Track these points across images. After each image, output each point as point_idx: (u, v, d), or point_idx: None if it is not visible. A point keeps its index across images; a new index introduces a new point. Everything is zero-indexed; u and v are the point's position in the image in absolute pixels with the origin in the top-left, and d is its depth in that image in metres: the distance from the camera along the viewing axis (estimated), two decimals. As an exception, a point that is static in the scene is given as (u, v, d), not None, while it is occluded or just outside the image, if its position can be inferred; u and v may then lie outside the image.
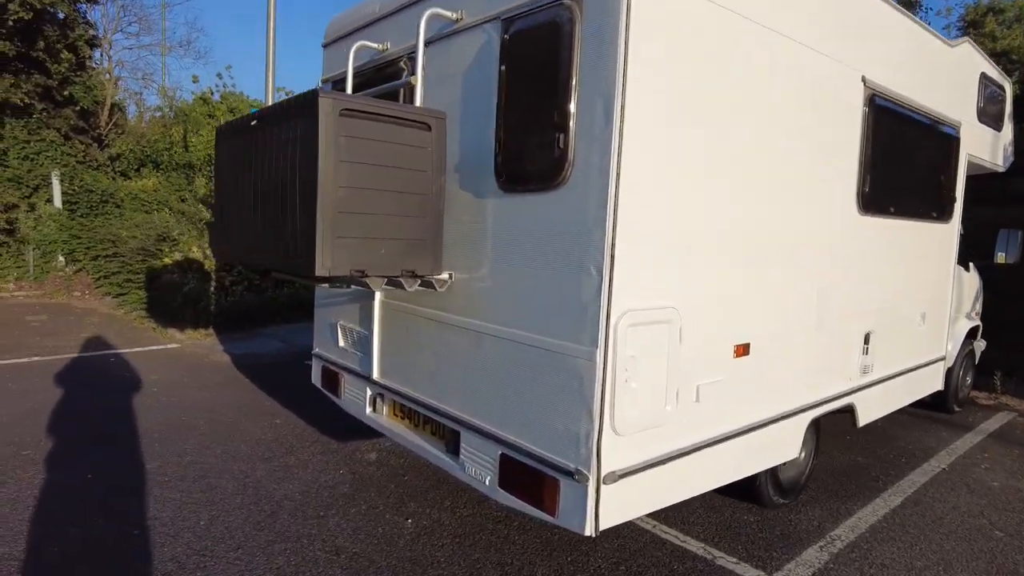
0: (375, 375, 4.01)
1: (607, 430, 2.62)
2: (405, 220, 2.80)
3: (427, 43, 3.31)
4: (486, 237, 3.09)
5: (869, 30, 4.11)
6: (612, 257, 2.54)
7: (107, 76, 19.35)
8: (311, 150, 2.52)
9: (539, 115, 2.79)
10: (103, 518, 3.84)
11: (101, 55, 19.45)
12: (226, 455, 4.85)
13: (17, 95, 13.09)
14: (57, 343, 8.31)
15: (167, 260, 9.34)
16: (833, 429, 5.24)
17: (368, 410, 4.13)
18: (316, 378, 4.79)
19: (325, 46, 4.59)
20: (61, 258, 12.88)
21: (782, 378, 3.69)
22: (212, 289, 9.01)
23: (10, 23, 12.64)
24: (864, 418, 4.60)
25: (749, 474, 3.61)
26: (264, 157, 2.93)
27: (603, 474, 2.63)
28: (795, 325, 3.76)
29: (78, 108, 15.39)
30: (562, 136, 2.67)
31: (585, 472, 2.62)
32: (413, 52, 3.63)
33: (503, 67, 2.95)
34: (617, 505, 2.72)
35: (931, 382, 5.67)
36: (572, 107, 2.64)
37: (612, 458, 2.66)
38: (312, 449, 5.04)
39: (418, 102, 3.19)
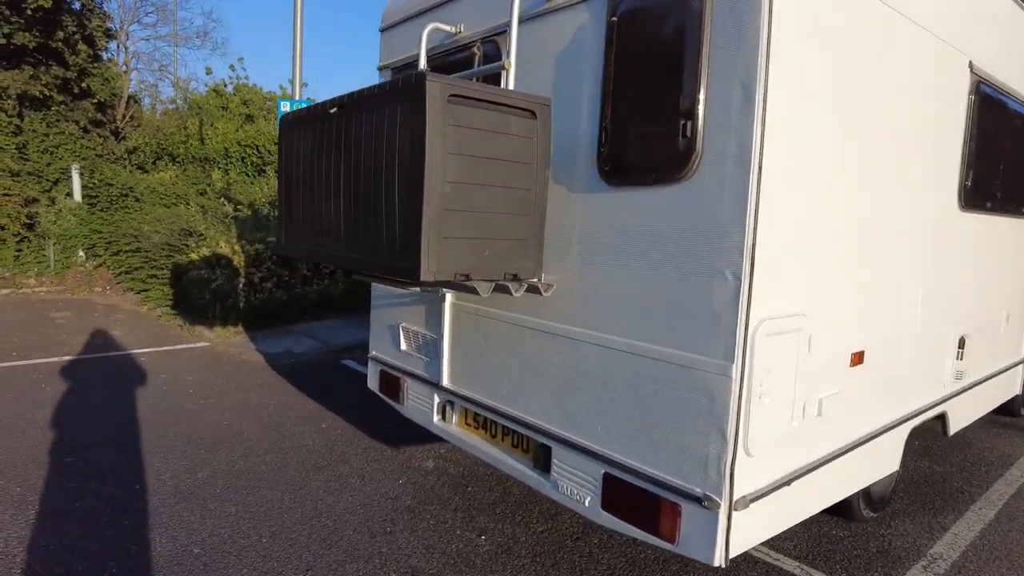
0: (444, 382, 3.76)
1: (740, 451, 2.36)
2: (509, 218, 2.54)
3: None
4: (585, 236, 2.83)
5: (977, 11, 3.81)
6: (752, 259, 2.27)
7: (123, 68, 19.12)
8: (416, 140, 2.26)
9: (658, 101, 2.52)
10: (161, 535, 3.61)
11: (117, 46, 19.22)
12: (277, 463, 4.62)
13: (36, 87, 12.88)
14: (85, 341, 8.10)
15: (193, 256, 9.11)
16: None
17: (436, 418, 3.88)
18: (373, 383, 4.55)
19: (383, 30, 4.32)
20: (81, 253, 12.69)
21: (889, 387, 3.42)
22: (241, 286, 8.78)
23: (28, 12, 12.41)
24: (955, 426, 4.34)
25: (859, 489, 3.35)
26: (349, 148, 2.68)
27: (735, 499, 2.37)
28: (902, 330, 3.49)
29: (96, 101, 15.16)
30: (689, 124, 2.40)
31: (715, 498, 2.36)
32: (491, 35, 3.38)
33: (611, 47, 2.68)
34: (747, 532, 2.47)
35: (1011, 386, 5.39)
36: (702, 91, 2.37)
37: (744, 482, 2.41)
38: (365, 456, 4.80)
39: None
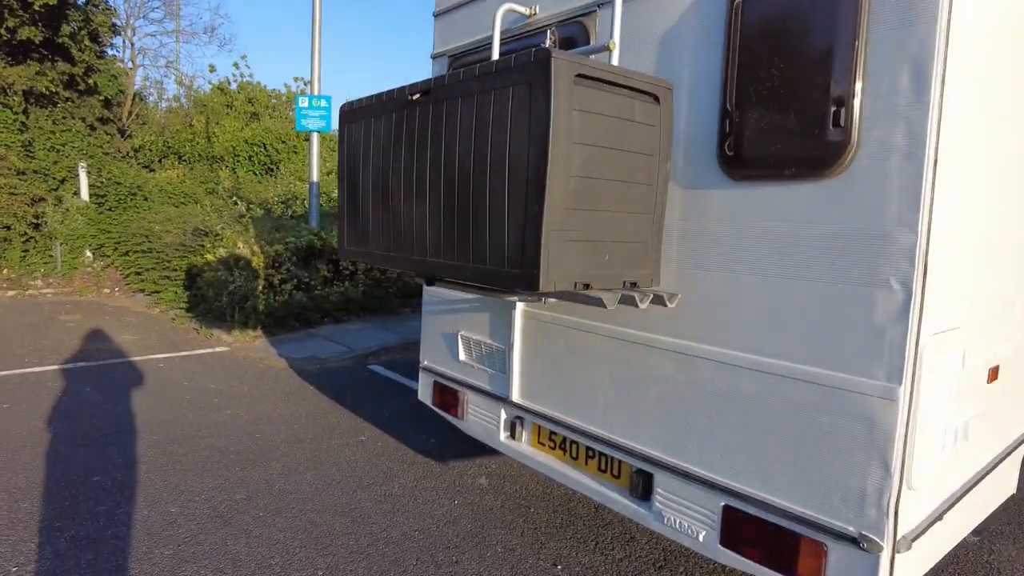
0: (514, 396, 3.45)
1: (903, 485, 2.05)
2: (628, 218, 2.23)
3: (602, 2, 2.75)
4: (700, 237, 2.52)
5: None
6: (924, 267, 1.96)
7: (129, 64, 18.76)
8: (537, 128, 1.94)
9: (799, 85, 2.20)
10: (206, 567, 3.29)
11: (123, 42, 18.86)
12: (319, 482, 4.30)
13: (43, 83, 12.53)
14: (99, 346, 7.77)
15: (209, 256, 8.78)
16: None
17: (502, 435, 3.57)
18: (426, 395, 4.23)
19: (438, 15, 4.00)
20: (88, 253, 12.34)
21: (1016, 404, 3.11)
22: (260, 288, 8.45)
23: (35, 7, 12.05)
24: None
25: (988, 514, 3.05)
26: (437, 140, 2.36)
27: (898, 539, 2.06)
28: None
29: (102, 97, 14.81)
30: (842, 112, 2.08)
31: (876, 539, 2.05)
32: (574, 17, 3.06)
33: (736, 24, 2.36)
34: (906, 574, 2.16)
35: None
36: (859, 73, 2.06)
37: (907, 519, 2.10)
38: (412, 473, 4.48)
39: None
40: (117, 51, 18.37)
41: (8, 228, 11.46)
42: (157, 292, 10.30)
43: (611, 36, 2.54)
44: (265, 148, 18.72)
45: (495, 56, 3.17)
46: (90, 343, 7.90)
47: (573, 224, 2.02)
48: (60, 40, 13.02)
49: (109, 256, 12.22)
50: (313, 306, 8.88)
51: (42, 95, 12.85)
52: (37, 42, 12.56)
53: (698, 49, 2.51)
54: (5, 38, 12.24)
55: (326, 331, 8.68)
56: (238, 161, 18.21)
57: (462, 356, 3.85)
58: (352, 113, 3.01)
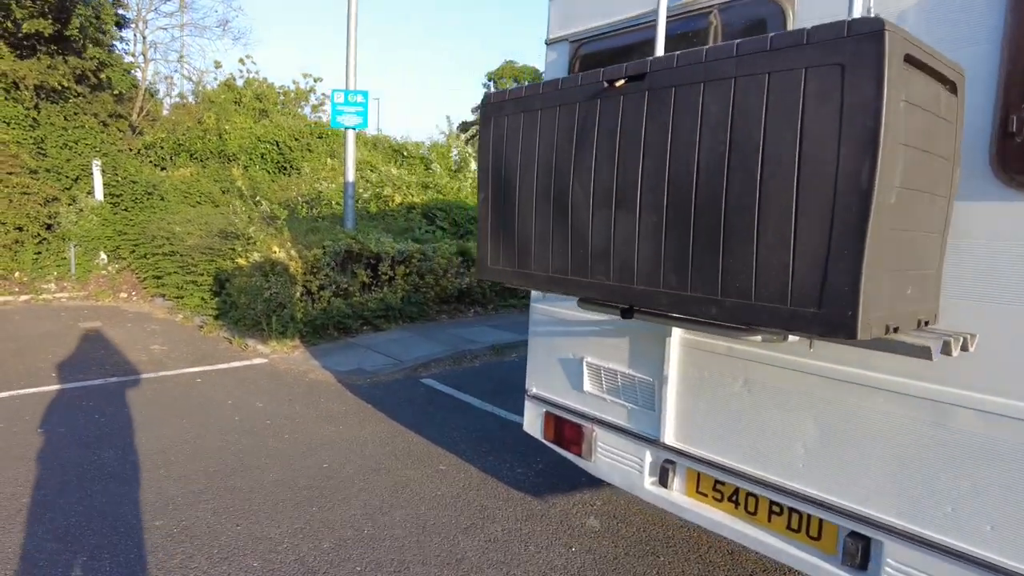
0: (667, 438, 2.96)
1: None
2: (921, 239, 1.74)
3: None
4: (969, 259, 2.03)
5: None
6: None
7: (140, 59, 18.17)
8: (859, 124, 1.44)
9: None
10: (313, 639, 2.80)
11: (135, 35, 18.26)
12: (411, 524, 3.80)
13: (54, 77, 11.96)
14: (128, 358, 7.25)
15: (241, 261, 8.26)
16: None
17: (648, 482, 3.07)
18: (534, 427, 3.74)
19: (558, -7, 3.50)
20: (103, 255, 11.80)
21: None
22: (299, 294, 7.94)
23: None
24: None
25: None
26: (663, 134, 1.86)
27: None
28: None
29: (115, 93, 14.25)
30: None
31: None
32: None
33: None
34: None
35: None
36: None
37: None
38: (511, 512, 3.99)
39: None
40: (128, 45, 17.79)
41: (21, 229, 10.92)
42: (180, 298, 9.78)
43: (867, 8, 2.03)
44: (278, 146, 18.18)
45: (660, 41, 2.68)
46: (117, 354, 7.38)
47: (889, 249, 1.53)
48: (69, 33, 12.45)
49: (125, 259, 11.68)
50: (352, 313, 8.37)
51: (53, 90, 12.29)
52: (47, 35, 11.99)
53: (961, 28, 2.01)
54: (12, 30, 11.68)
55: (367, 340, 8.18)
56: (251, 159, 17.66)
57: (588, 386, 3.35)
58: (501, 105, 2.51)
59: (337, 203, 11.28)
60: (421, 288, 9.43)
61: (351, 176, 9.21)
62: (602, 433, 3.29)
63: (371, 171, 14.17)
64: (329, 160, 15.58)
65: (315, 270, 8.15)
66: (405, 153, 15.54)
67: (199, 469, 4.44)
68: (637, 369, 3.09)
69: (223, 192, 13.97)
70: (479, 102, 2.80)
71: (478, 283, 10.19)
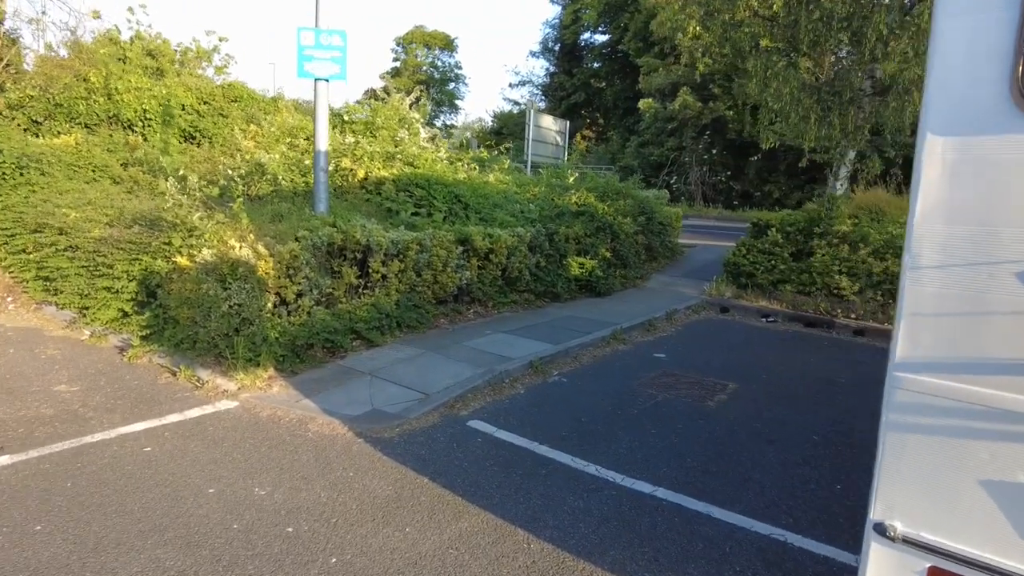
0: None
1: None
2: None
3: None
4: None
5: None
6: None
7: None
8: None
9: None
10: None
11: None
12: None
13: None
14: (17, 413, 4.89)
15: (182, 260, 5.95)
16: None
17: None
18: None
19: None
20: (-39, 250, 8.85)
21: None
22: (271, 305, 5.79)
23: None
24: None
25: None
26: None
27: None
28: None
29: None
30: None
31: None
32: None
33: None
34: None
35: None
36: None
37: None
38: None
39: None
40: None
41: None
42: (86, 308, 7.25)
43: None
44: (184, 110, 15.21)
45: None
46: (6, 407, 4.99)
47: None
48: None
49: (-5, 254, 8.80)
50: (341, 327, 6.31)
51: None
52: None
53: None
54: None
55: (365, 362, 6.16)
56: (150, 126, 14.62)
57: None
58: None
59: (287, 179, 8.96)
60: (418, 287, 7.46)
61: (323, 143, 7.01)
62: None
63: (307, 140, 11.80)
64: (253, 127, 12.93)
65: (292, 271, 6.01)
66: (346, 118, 13.18)
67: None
68: None
69: (123, 166, 11.14)
70: None
71: (478, 277, 8.33)
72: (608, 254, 10.44)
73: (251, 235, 6.02)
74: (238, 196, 7.82)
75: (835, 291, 9.80)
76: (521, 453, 4.51)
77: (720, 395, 5.90)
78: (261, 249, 5.83)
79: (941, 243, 1.94)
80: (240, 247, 5.80)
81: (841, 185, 10.62)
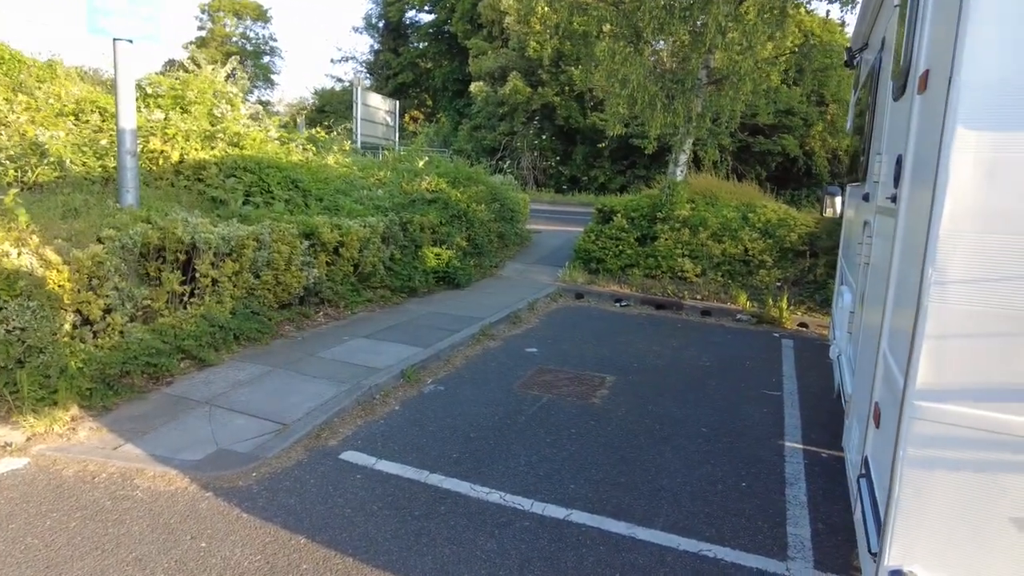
0: None
1: None
2: None
3: None
4: None
5: None
6: None
7: None
8: None
9: None
10: None
11: None
12: None
13: None
14: None
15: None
16: None
17: None
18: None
19: None
20: None
21: None
22: (69, 327, 4.51)
23: None
24: None
25: None
26: None
27: None
28: None
29: None
30: None
31: None
32: None
33: None
34: None
35: None
36: None
37: None
38: None
39: None
40: None
41: None
42: None
43: None
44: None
45: None
46: None
47: None
48: None
49: None
50: (166, 346, 5.16)
51: None
52: None
53: None
54: None
55: (199, 387, 5.09)
56: None
57: None
58: None
59: (78, 162, 7.25)
60: (257, 291, 6.41)
61: (129, 120, 5.64)
62: None
63: (99, 115, 9.84)
64: (24, 97, 10.51)
65: (96, 281, 4.74)
66: (150, 90, 11.24)
67: None
68: None
69: None
70: None
71: (327, 275, 7.42)
72: (464, 243, 9.95)
73: (34, 237, 4.65)
74: (9, 184, 6.14)
75: (680, 274, 10.22)
76: (412, 488, 3.90)
77: (601, 389, 5.72)
78: (51, 255, 4.52)
79: (974, 254, 1.70)
80: (19, 253, 4.44)
81: (681, 171, 11.08)
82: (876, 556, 1.93)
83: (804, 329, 8.49)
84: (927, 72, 2.10)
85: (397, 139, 21.64)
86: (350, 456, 4.28)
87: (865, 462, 2.51)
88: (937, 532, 1.80)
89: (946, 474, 1.78)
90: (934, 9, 2.09)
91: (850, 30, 5.66)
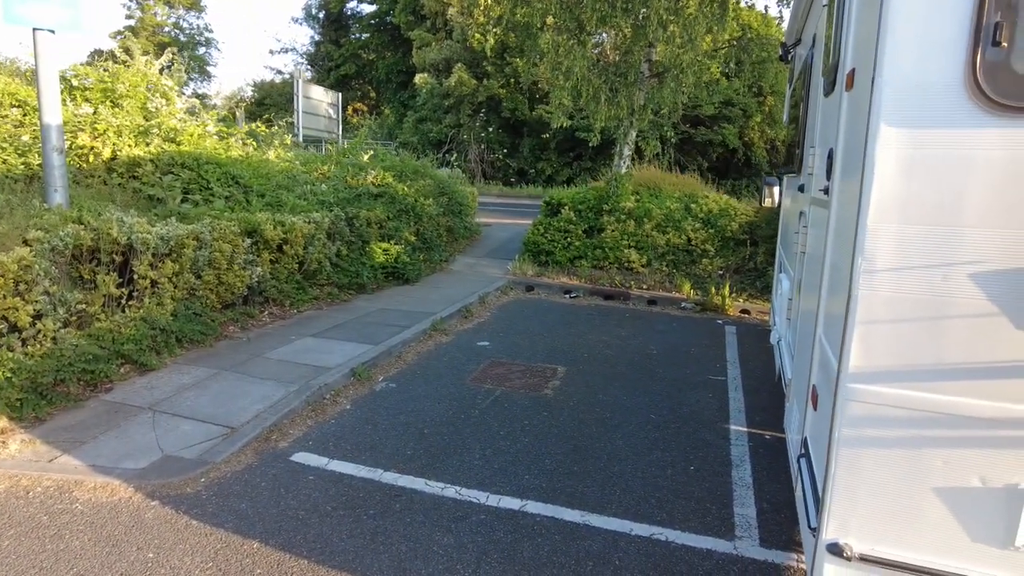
0: None
1: None
2: None
3: None
4: None
5: None
6: None
7: None
8: None
9: None
10: None
11: None
12: None
13: None
14: None
15: None
16: None
17: None
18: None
19: None
20: None
21: None
22: (-5, 336, 4.27)
23: None
24: None
25: None
26: None
27: None
28: None
29: None
30: None
31: None
32: None
33: None
34: None
35: None
36: None
37: None
38: None
39: None
40: None
41: None
42: None
43: None
44: None
45: None
46: None
47: None
48: None
49: None
50: (103, 351, 4.96)
51: None
52: None
53: None
54: None
55: (141, 393, 4.91)
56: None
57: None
58: None
59: (10, 160, 6.84)
60: (199, 291, 6.21)
61: (54, 115, 5.35)
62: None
63: (18, 109, 9.31)
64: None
65: (23, 287, 4.51)
66: (75, 83, 10.69)
67: None
68: None
69: None
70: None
71: (271, 273, 7.26)
72: (413, 238, 9.88)
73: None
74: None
75: (626, 264, 10.41)
76: (367, 487, 3.87)
77: (553, 380, 5.79)
78: (-27, 259, 4.27)
79: (897, 244, 1.80)
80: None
81: (625, 164, 11.25)
82: (815, 531, 2.04)
83: (746, 316, 8.78)
84: (853, 70, 2.20)
85: (340, 132, 21.21)
86: (302, 458, 4.22)
87: (804, 443, 2.63)
88: (870, 506, 1.92)
89: (877, 451, 1.90)
90: (858, 9, 2.19)
91: (785, 25, 5.87)
